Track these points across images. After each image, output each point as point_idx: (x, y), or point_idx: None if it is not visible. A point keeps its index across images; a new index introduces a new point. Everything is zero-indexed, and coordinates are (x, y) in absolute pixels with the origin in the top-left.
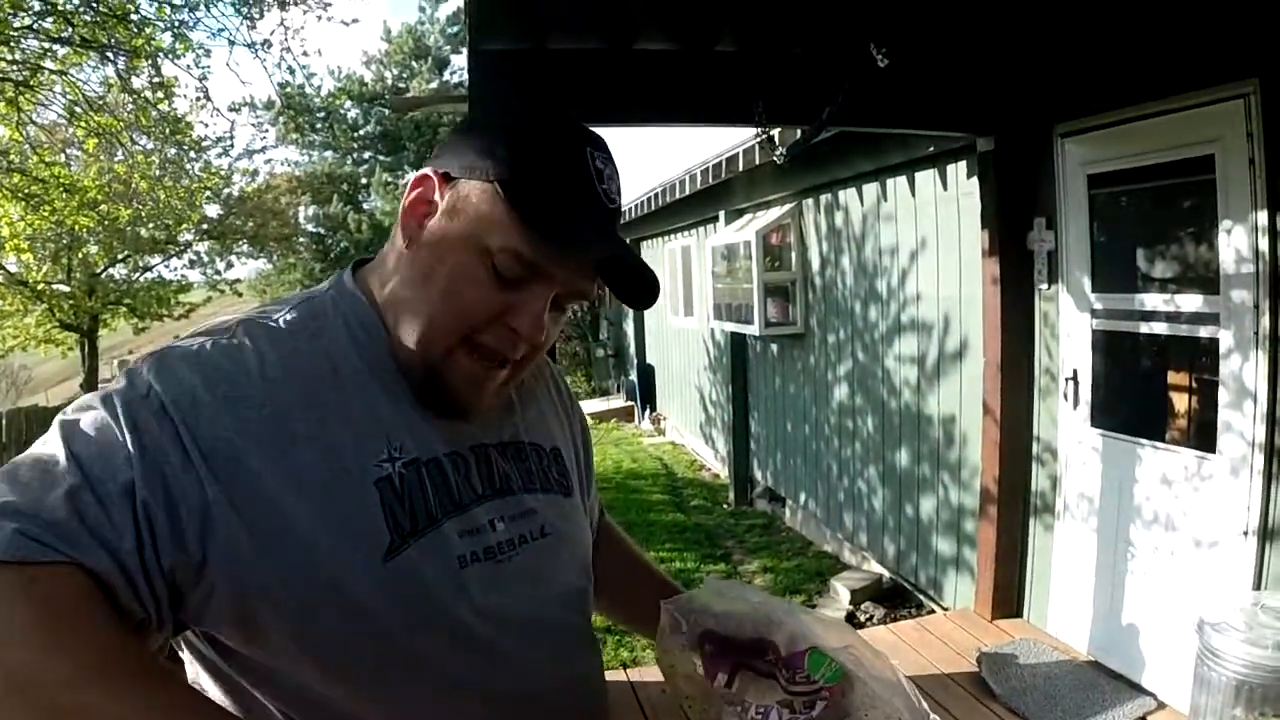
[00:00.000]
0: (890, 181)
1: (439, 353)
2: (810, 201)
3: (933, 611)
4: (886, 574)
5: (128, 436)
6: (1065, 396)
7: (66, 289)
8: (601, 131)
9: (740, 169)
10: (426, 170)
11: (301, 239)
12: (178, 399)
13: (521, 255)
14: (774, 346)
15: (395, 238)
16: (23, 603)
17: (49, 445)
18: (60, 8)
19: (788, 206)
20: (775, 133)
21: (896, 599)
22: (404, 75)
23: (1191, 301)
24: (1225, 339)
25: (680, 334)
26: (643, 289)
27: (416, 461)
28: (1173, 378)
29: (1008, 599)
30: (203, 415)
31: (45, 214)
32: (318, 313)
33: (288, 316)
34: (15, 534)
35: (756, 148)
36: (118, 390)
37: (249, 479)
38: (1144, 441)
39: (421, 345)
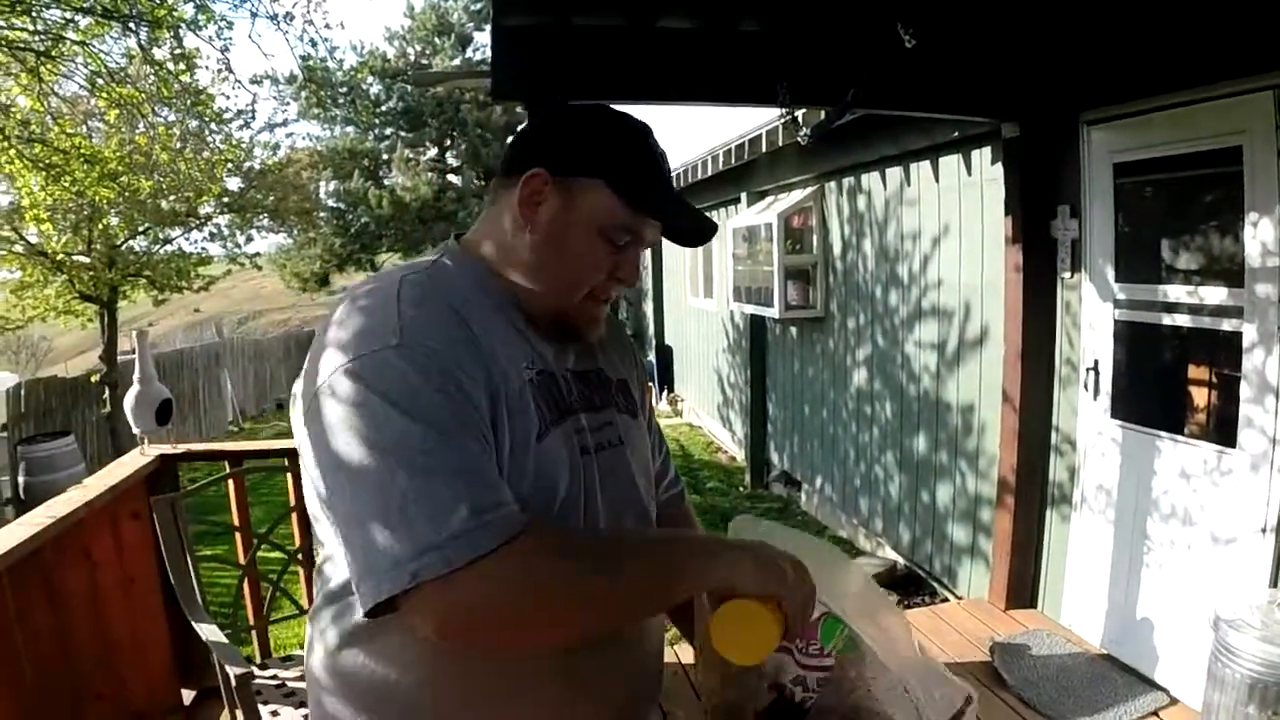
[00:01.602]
0: (914, 166)
1: (573, 302)
2: (833, 184)
3: (946, 600)
4: (901, 561)
5: (451, 390)
6: (1086, 387)
7: (86, 260)
8: (622, 109)
9: (763, 150)
10: (536, 170)
11: (322, 214)
12: (442, 354)
13: (627, 225)
14: (793, 330)
15: (505, 220)
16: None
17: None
18: None
19: (810, 189)
20: (799, 114)
21: (911, 586)
22: (426, 51)
23: (1215, 294)
24: (1249, 333)
25: (699, 315)
26: (701, 234)
27: (544, 372)
28: (1194, 371)
29: (1022, 589)
30: (459, 356)
31: (66, 185)
32: (449, 274)
33: (430, 274)
34: (510, 513)
35: (780, 129)
36: (392, 374)
37: (491, 395)
38: (1163, 434)
39: (559, 296)
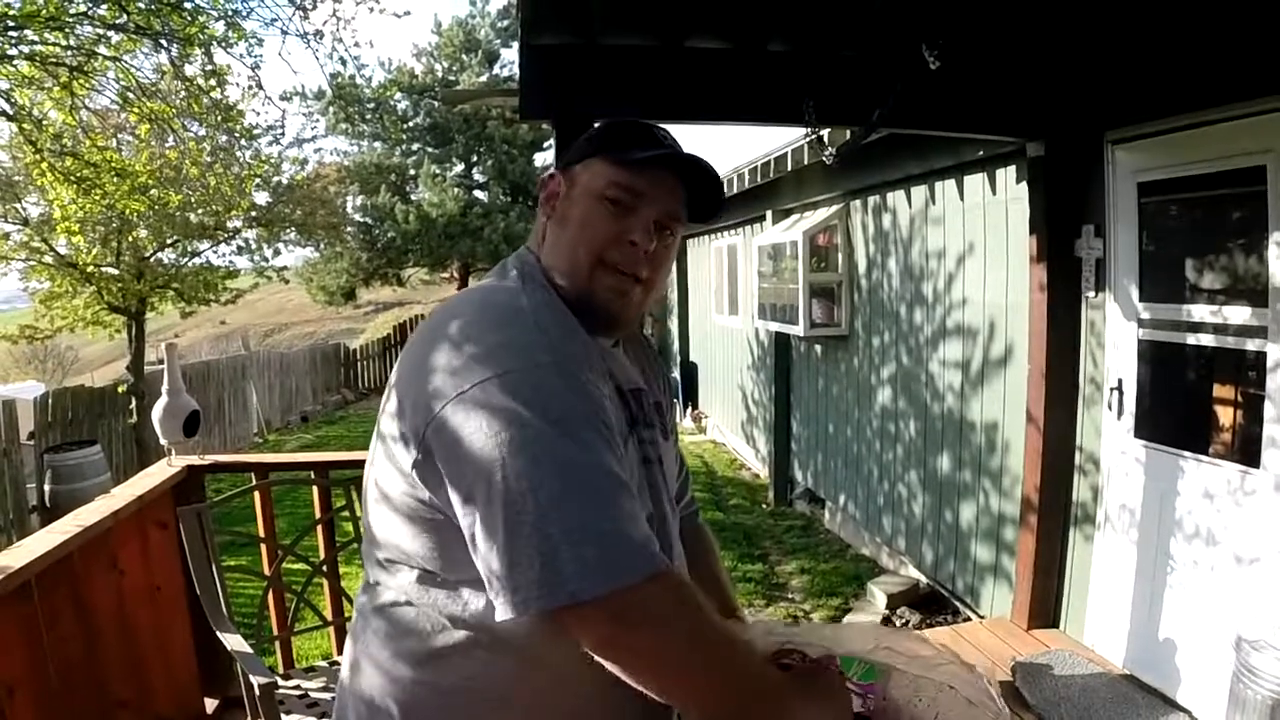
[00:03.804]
0: (939, 184)
1: (584, 274)
2: (858, 203)
3: (969, 619)
4: (924, 579)
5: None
6: (1109, 406)
7: (115, 272)
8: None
9: (789, 169)
10: (552, 171)
11: (349, 228)
12: (590, 378)
13: (621, 182)
14: (818, 347)
15: (538, 225)
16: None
17: (577, 455)
18: None
19: (835, 207)
20: (825, 133)
21: (933, 605)
22: (454, 68)
23: (1240, 314)
24: (1274, 353)
25: (724, 332)
26: (713, 193)
27: (618, 387)
28: (1218, 390)
29: (1045, 609)
30: (596, 377)
31: (96, 197)
32: (548, 291)
33: (545, 290)
34: (653, 554)
35: (806, 148)
36: (552, 394)
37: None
38: (1187, 454)
39: (570, 274)
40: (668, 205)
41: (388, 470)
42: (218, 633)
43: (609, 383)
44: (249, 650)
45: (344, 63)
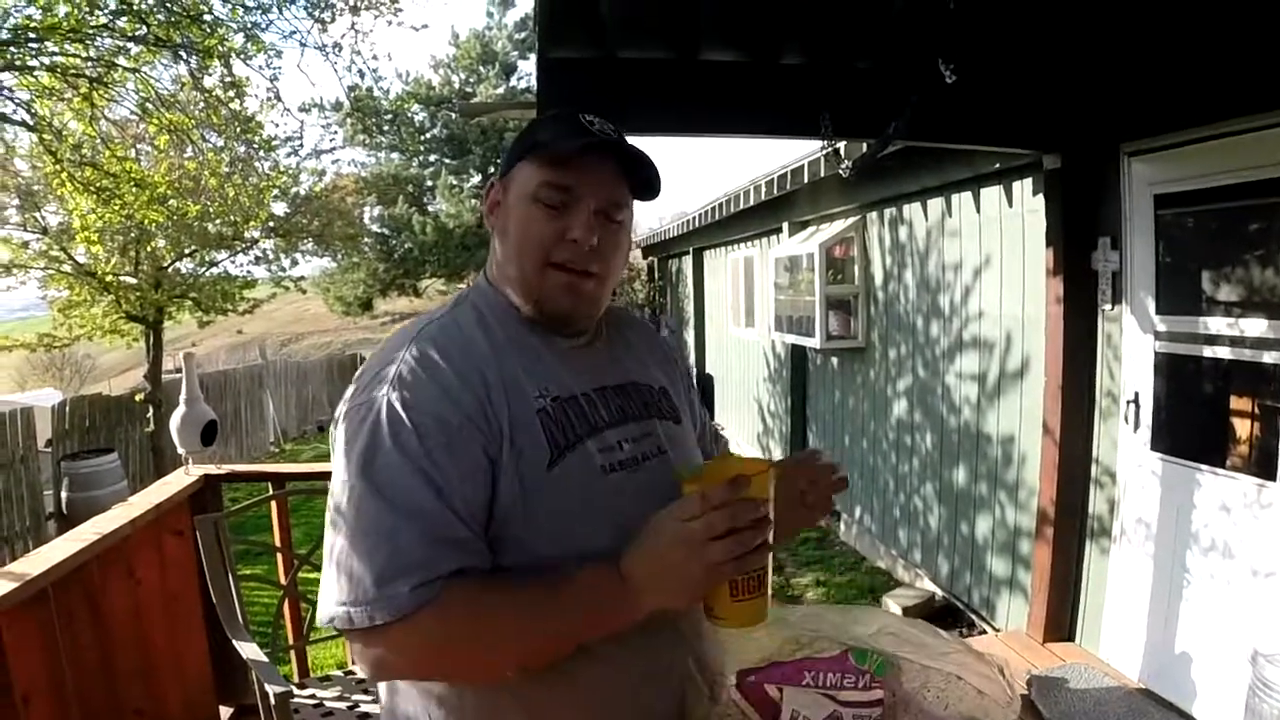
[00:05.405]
0: (955, 197)
1: (534, 280)
2: (874, 215)
3: (984, 632)
4: (939, 592)
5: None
6: (1126, 419)
7: (133, 281)
8: (667, 141)
9: (805, 181)
10: (492, 180)
11: (366, 239)
12: (422, 409)
13: (550, 181)
14: (834, 360)
15: (491, 240)
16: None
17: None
18: (135, 7)
19: (852, 219)
20: (841, 146)
21: (949, 618)
22: (471, 80)
23: (1257, 326)
24: None
25: (740, 344)
26: (643, 173)
27: (559, 398)
28: (1235, 403)
29: (1061, 622)
30: (441, 411)
31: (116, 207)
32: (468, 317)
33: (453, 318)
34: (411, 591)
35: (822, 160)
36: (371, 428)
37: (489, 439)
38: (1204, 467)
39: (520, 283)
40: (605, 193)
41: None
42: (233, 641)
43: (540, 395)
44: (264, 659)
45: (362, 75)
